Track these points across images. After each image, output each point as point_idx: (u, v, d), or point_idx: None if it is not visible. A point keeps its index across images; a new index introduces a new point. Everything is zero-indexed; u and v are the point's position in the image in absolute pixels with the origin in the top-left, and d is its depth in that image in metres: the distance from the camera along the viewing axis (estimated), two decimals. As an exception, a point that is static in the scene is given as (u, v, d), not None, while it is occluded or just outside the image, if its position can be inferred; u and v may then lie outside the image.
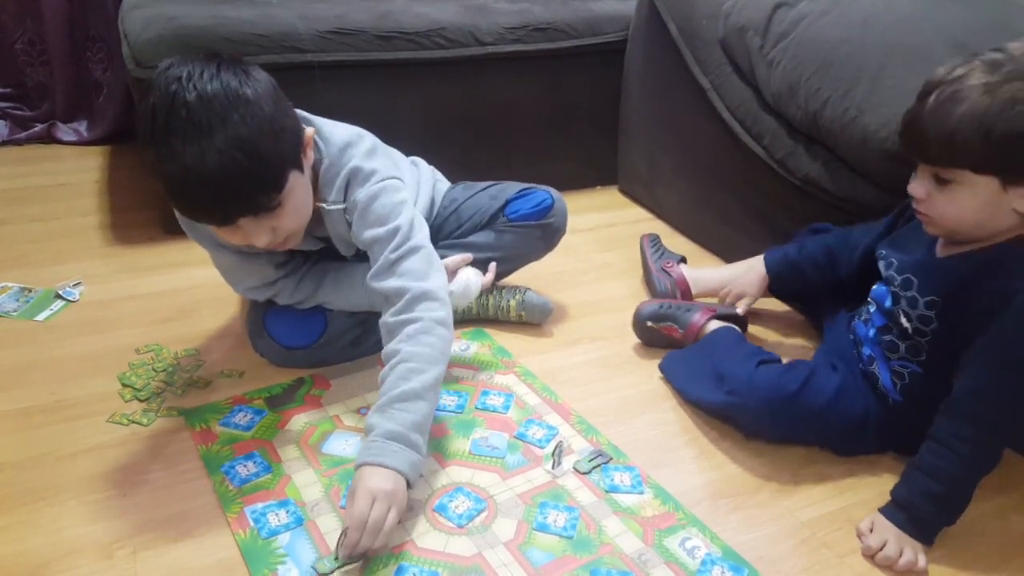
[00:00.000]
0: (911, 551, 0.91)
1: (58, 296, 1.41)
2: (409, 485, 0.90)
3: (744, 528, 0.95)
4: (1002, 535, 0.97)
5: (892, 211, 1.13)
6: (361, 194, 1.05)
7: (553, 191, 1.33)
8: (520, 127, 1.86)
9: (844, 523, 0.97)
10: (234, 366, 1.21)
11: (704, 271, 1.43)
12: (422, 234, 1.06)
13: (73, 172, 1.97)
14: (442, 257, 1.14)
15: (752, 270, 1.31)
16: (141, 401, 1.13)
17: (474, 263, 1.26)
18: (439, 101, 1.73)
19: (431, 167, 1.39)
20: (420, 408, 0.92)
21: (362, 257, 1.14)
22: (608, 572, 0.87)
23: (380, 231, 1.04)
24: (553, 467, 1.03)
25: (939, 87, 0.87)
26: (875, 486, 1.03)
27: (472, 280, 1.21)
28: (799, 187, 1.37)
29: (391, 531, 0.86)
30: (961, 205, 0.90)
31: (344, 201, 1.07)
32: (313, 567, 0.84)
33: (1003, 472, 1.04)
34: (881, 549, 0.91)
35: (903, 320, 1.00)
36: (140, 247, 1.60)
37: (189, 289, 1.42)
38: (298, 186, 0.99)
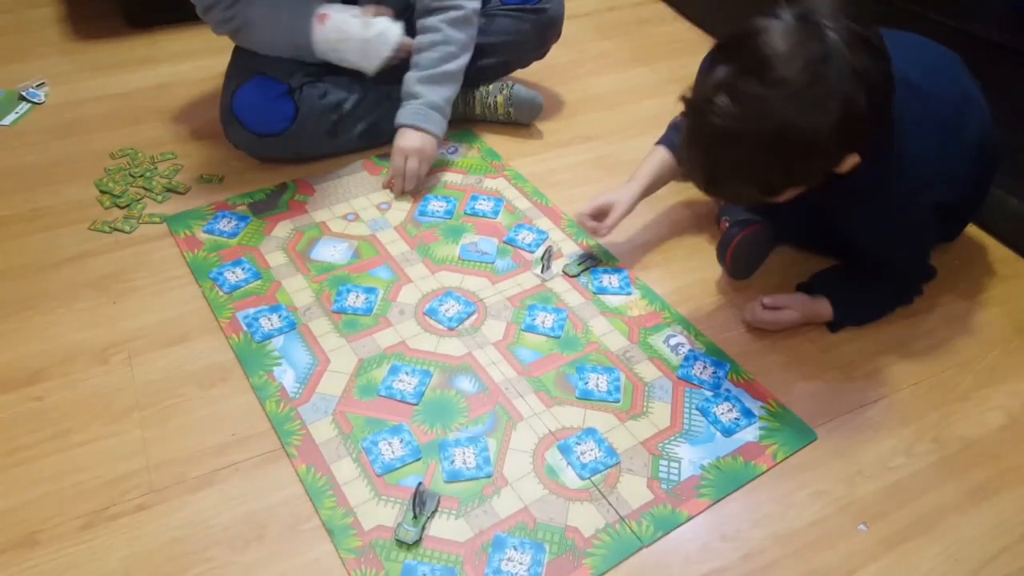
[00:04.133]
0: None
1: (22, 98, 1.33)
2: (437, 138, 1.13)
3: (728, 325, 0.97)
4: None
5: None
6: None
7: None
8: None
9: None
10: (213, 171, 1.17)
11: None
12: None
13: (18, -44, 1.78)
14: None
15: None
16: (121, 208, 1.10)
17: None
18: None
19: None
20: (454, 88, 1.15)
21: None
22: (593, 368, 0.90)
23: None
24: (542, 271, 1.02)
25: None
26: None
27: (391, 29, 1.11)
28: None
29: (421, 178, 1.14)
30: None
31: None
32: (397, 538, 0.73)
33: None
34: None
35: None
36: (103, 42, 1.49)
37: (159, 88, 1.34)
38: None
